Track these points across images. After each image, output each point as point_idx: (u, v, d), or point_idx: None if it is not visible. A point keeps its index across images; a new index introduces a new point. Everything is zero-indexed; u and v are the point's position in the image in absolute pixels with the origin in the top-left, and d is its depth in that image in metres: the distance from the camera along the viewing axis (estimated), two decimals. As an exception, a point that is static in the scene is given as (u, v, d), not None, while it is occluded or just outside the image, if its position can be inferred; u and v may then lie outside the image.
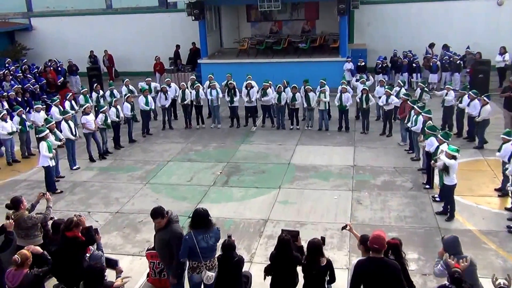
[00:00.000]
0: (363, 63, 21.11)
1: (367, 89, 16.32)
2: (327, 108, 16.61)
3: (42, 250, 7.18)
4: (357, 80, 18.67)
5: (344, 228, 7.45)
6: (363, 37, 24.89)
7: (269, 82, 17.16)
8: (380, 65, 21.33)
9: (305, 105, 16.91)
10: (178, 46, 25.18)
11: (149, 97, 17.18)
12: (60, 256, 7.42)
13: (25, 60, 24.88)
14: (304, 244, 7.24)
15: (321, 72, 18.35)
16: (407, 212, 10.94)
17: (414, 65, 21.42)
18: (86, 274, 6.38)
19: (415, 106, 13.46)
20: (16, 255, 6.63)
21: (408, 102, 14.27)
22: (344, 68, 21.00)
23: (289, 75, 18.20)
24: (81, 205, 12.01)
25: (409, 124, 13.58)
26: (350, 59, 21.38)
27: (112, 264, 6.93)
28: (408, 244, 8.96)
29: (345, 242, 9.68)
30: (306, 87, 16.62)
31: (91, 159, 14.86)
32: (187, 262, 7.23)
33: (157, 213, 7.24)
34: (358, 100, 16.59)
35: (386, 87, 16.15)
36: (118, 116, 15.61)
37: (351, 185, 12.47)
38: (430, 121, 12.47)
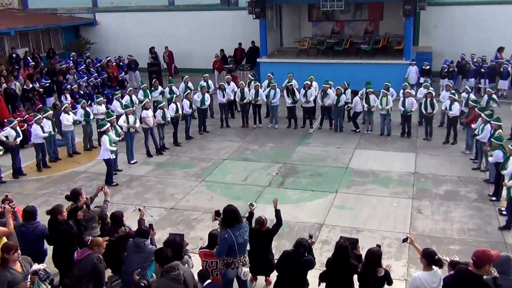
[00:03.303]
0: (427, 67, 20.54)
1: (432, 93, 15.83)
2: (389, 112, 16.25)
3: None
4: (420, 84, 18.19)
5: (405, 240, 7.22)
6: (429, 40, 24.18)
7: (330, 83, 16.99)
8: (446, 69, 20.67)
9: (366, 108, 16.61)
10: (240, 44, 25.38)
11: (206, 95, 17.35)
12: (115, 248, 7.67)
13: (88, 54, 25.79)
14: (361, 252, 7.12)
15: (384, 75, 18.01)
16: (470, 224, 10.53)
17: (482, 70, 20.62)
18: (164, 244, 6.85)
19: (482, 114, 12.95)
20: (89, 237, 7.39)
21: (476, 109, 13.75)
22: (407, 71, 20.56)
23: (350, 77, 18.01)
24: (137, 199, 12.32)
25: (476, 133, 13.08)
26: (414, 62, 20.83)
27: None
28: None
29: (404, 252, 9.42)
30: (368, 89, 16.33)
31: (148, 154, 15.20)
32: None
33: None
34: (422, 105, 16.10)
35: (450, 92, 15.62)
36: (177, 113, 15.92)
37: (412, 193, 12.14)
38: (500, 130, 11.96)
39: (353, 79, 17.74)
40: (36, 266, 6.36)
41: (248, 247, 7.45)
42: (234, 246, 7.03)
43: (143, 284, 6.47)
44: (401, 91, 16.36)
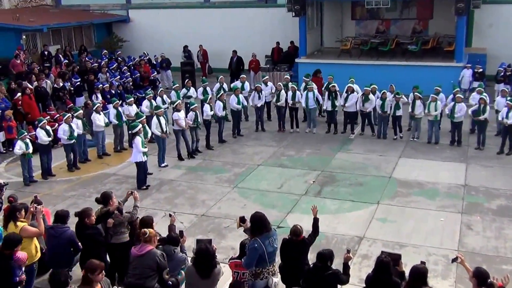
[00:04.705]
0: (481, 70, 20.06)
1: (485, 99, 15.44)
2: (439, 118, 15.92)
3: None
4: (473, 89, 17.76)
5: (454, 260, 7.03)
6: (483, 41, 23.61)
7: (373, 86, 16.79)
8: (502, 73, 20.08)
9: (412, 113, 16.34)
10: (278, 44, 25.37)
11: (241, 96, 17.38)
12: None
13: (119, 52, 26.23)
14: (405, 269, 6.97)
15: (433, 78, 17.67)
16: (526, 243, 10.20)
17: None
18: (196, 254, 6.95)
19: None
20: (146, 229, 7.41)
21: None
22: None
23: (396, 80, 17.69)
24: (167, 204, 12.44)
25: None
26: (469, 65, 20.35)
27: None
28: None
29: (451, 270, 9.19)
30: (415, 93, 16.04)
31: (180, 158, 15.34)
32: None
33: None
34: (475, 112, 15.69)
35: (508, 98, 15.18)
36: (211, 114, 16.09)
37: (461, 207, 11.84)
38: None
39: (399, 82, 17.43)
40: None
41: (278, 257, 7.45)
42: (265, 255, 7.04)
43: (171, 283, 6.56)
44: (451, 96, 16.03)
